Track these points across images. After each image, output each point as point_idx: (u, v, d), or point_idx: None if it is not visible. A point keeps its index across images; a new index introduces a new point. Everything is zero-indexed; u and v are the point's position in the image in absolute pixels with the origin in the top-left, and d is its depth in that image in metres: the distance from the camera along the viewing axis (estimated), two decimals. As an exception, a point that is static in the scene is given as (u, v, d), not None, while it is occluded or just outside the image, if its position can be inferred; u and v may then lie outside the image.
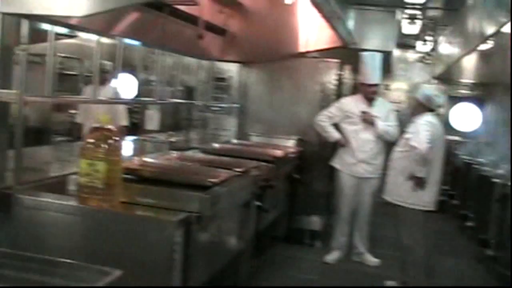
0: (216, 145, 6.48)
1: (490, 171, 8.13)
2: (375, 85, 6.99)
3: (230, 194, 4.31)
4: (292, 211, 7.32)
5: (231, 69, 7.67)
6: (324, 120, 7.03)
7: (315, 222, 7.52)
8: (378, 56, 7.03)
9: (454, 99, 13.26)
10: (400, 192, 6.07)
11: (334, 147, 7.21)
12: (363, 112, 6.93)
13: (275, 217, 6.34)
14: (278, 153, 6.32)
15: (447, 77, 13.01)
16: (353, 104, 7.06)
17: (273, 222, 6.26)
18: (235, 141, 7.32)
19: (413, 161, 5.88)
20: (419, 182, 5.94)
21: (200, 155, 5.80)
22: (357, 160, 6.96)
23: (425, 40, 12.98)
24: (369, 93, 6.98)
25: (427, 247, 6.17)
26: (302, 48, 7.35)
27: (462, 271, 7.32)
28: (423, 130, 5.86)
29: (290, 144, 7.38)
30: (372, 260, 7.13)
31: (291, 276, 6.36)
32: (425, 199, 6.02)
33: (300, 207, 7.42)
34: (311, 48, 7.43)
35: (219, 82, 7.53)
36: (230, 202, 4.36)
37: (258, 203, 5.11)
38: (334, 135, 7.02)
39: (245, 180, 4.78)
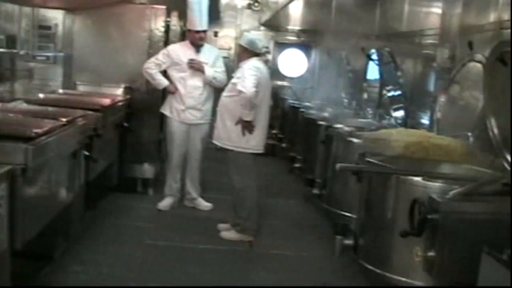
0: (41, 95, 6.30)
1: (316, 114, 8.46)
2: (203, 31, 7.03)
3: (56, 145, 4.24)
4: (123, 160, 7.29)
5: (56, 17, 7.37)
6: (152, 68, 6.97)
7: (146, 170, 7.52)
8: (204, 2, 7.02)
9: (282, 46, 13.57)
10: (229, 137, 6.19)
11: (163, 94, 7.22)
12: (191, 59, 6.95)
13: (106, 166, 6.32)
14: (106, 101, 6.24)
15: (275, 23, 13.28)
16: (180, 51, 7.06)
17: (103, 171, 6.23)
18: (61, 91, 7.11)
19: (241, 106, 6.00)
20: (247, 126, 6.08)
21: (24, 106, 5.60)
22: (186, 106, 6.99)
23: (253, -13, 13.14)
24: (197, 40, 7.01)
25: (257, 189, 6.36)
26: (128, -6, 7.24)
27: (291, 209, 7.66)
28: (248, 74, 5.97)
29: (118, 92, 7.28)
30: (204, 204, 7.26)
31: (125, 225, 6.34)
32: (254, 142, 6.19)
33: (131, 155, 7.41)
34: (138, -6, 7.34)
35: (44, 30, 7.28)
36: (56, 153, 4.30)
37: (86, 152, 5.07)
38: (163, 82, 7.00)
39: (71, 129, 4.72)
